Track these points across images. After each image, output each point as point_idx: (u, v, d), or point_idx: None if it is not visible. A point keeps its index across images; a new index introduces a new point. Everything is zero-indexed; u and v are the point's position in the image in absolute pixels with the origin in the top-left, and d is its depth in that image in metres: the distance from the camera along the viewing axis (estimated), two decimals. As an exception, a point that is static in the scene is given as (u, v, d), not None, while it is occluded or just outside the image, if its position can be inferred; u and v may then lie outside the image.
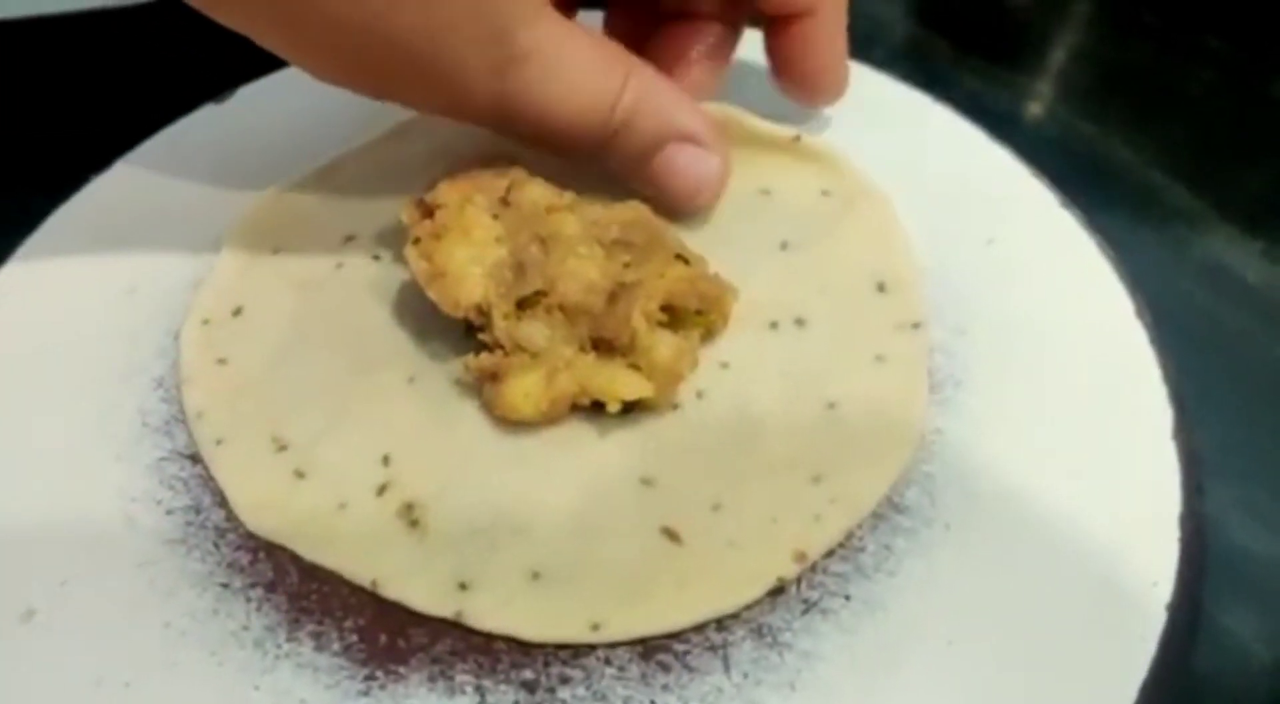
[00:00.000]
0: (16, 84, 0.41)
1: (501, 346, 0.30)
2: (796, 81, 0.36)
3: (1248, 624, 0.30)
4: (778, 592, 0.28)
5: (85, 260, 0.36)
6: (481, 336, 0.30)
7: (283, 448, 0.31)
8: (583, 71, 0.30)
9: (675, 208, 0.34)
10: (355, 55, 0.29)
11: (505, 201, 0.31)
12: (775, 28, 0.35)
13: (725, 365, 0.32)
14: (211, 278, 0.35)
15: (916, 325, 0.32)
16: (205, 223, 0.37)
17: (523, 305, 0.30)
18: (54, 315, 0.34)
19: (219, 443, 0.31)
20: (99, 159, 0.38)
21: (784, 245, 0.34)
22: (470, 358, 0.30)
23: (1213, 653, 0.29)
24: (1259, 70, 0.48)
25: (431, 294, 0.30)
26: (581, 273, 0.30)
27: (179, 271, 0.35)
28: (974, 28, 0.51)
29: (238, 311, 0.34)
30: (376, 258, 0.35)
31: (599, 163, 0.32)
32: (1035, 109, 0.48)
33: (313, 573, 0.29)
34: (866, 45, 0.48)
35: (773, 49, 0.36)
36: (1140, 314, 0.33)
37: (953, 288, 0.34)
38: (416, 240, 0.31)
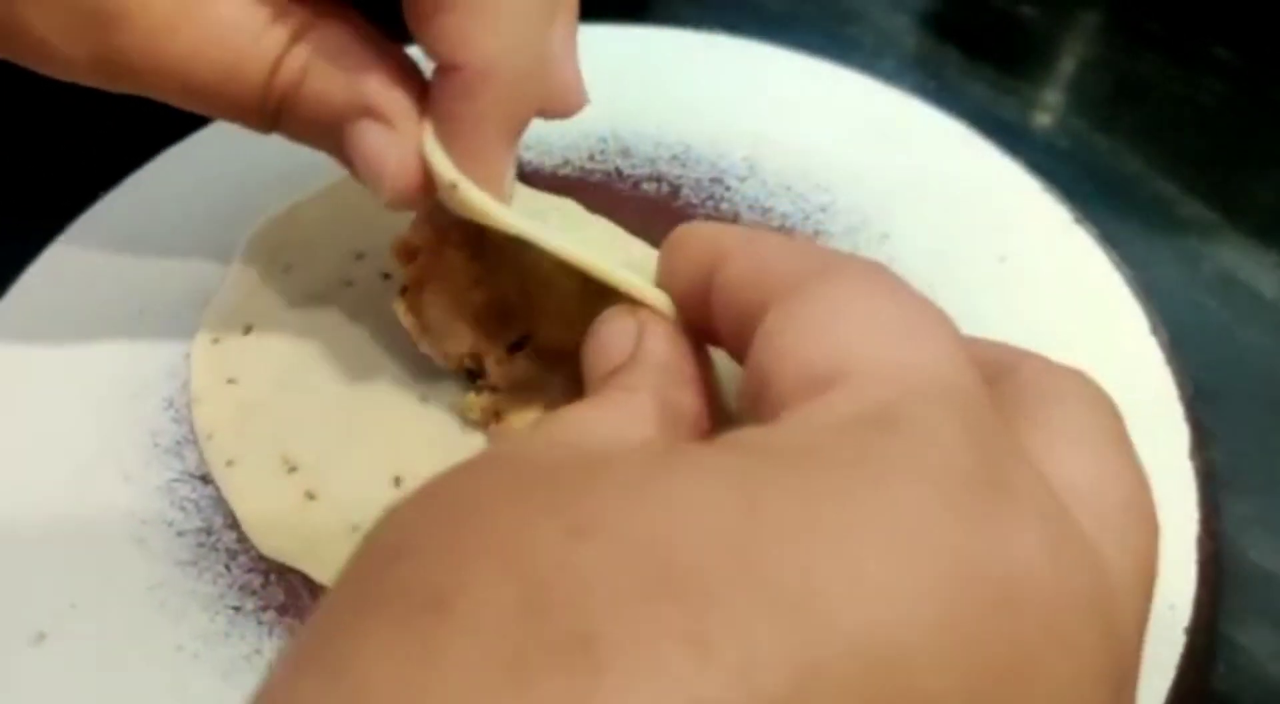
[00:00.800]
0: (25, 101, 0.41)
1: (499, 388, 0.30)
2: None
3: (1265, 644, 0.30)
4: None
5: (94, 279, 0.35)
6: (479, 383, 0.30)
7: (294, 469, 0.30)
8: (223, 33, 0.26)
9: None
10: None
11: (481, 236, 0.30)
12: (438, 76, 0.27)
13: None
14: (221, 297, 0.35)
15: None
16: (215, 241, 0.36)
17: (514, 348, 0.30)
18: (63, 334, 0.34)
19: (230, 464, 0.31)
20: (109, 176, 0.38)
21: None
22: (471, 397, 0.30)
23: (1231, 673, 0.29)
24: (1269, 80, 0.48)
25: (423, 349, 0.30)
26: (562, 310, 0.30)
27: (189, 290, 0.35)
28: (983, 38, 0.51)
29: (248, 330, 0.34)
30: (387, 276, 0.35)
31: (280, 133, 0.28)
32: (1045, 119, 0.47)
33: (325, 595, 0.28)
34: (876, 57, 0.48)
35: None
36: (1155, 331, 0.33)
37: (965, 304, 0.34)
38: (404, 291, 0.30)
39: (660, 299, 0.25)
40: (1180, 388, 0.31)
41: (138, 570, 0.29)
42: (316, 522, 0.29)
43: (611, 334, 0.24)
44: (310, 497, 0.30)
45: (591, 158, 0.40)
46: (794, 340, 0.19)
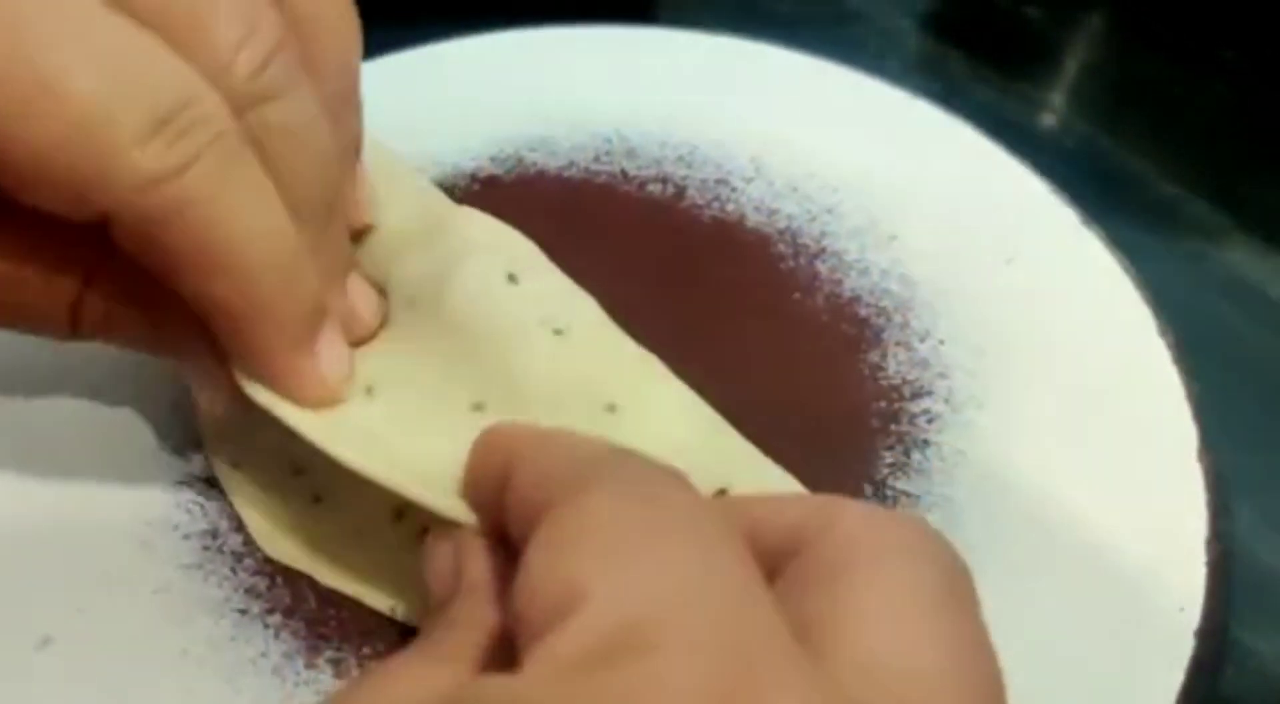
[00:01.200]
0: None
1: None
2: None
3: (1276, 646, 0.30)
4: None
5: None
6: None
7: (299, 472, 0.30)
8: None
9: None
10: None
11: None
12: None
13: None
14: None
15: None
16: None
17: None
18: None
19: (235, 466, 0.31)
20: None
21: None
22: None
23: (1240, 675, 0.29)
24: (1275, 82, 0.48)
25: None
26: None
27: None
28: (988, 40, 0.51)
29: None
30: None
31: None
32: (1050, 121, 0.47)
33: (331, 598, 0.28)
34: (880, 58, 0.48)
35: None
36: (1163, 333, 0.33)
37: (972, 307, 0.34)
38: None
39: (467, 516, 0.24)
40: (1188, 389, 0.31)
41: (143, 574, 0.29)
42: (323, 525, 0.29)
43: (433, 563, 0.24)
44: (316, 500, 0.30)
45: (597, 159, 0.40)
46: (534, 565, 0.18)
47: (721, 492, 0.25)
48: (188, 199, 0.22)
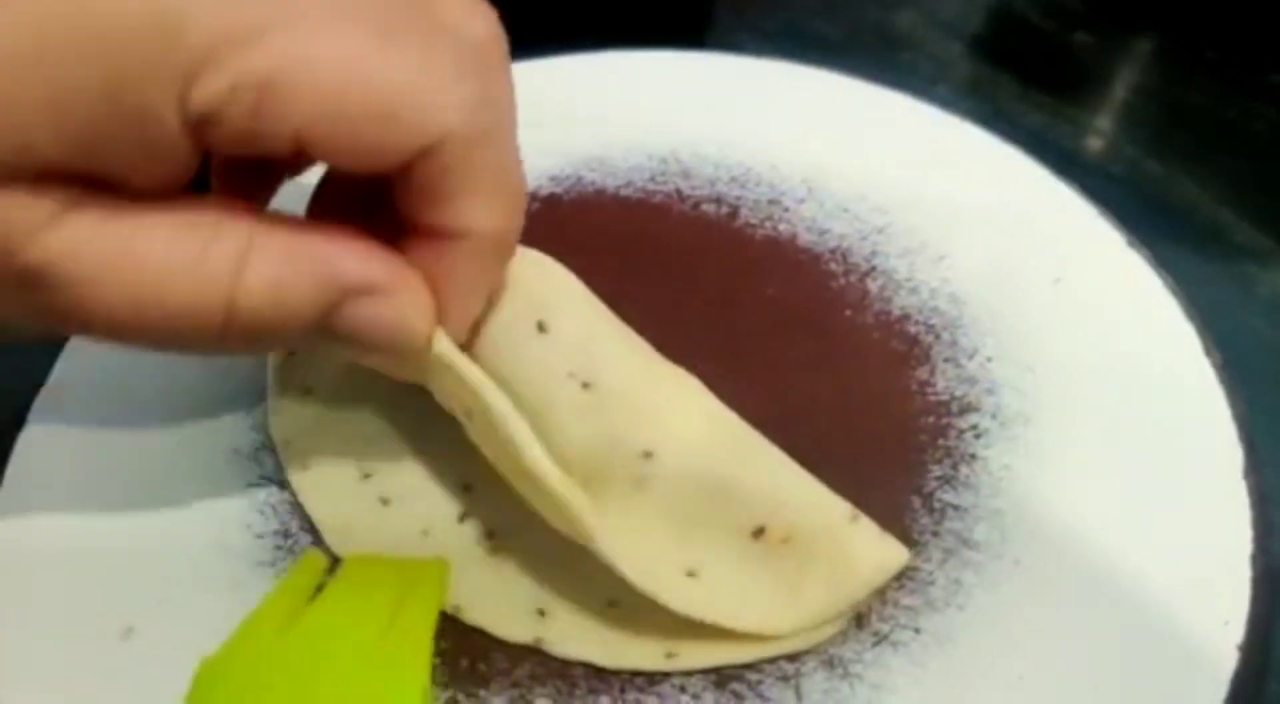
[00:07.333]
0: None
1: None
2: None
3: (1319, 663, 0.30)
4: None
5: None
6: None
7: (367, 475, 0.32)
8: (156, 273, 0.23)
9: (389, 368, 0.29)
10: None
11: None
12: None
13: None
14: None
15: None
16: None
17: None
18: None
19: (306, 470, 0.32)
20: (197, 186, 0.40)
21: None
22: None
23: (1283, 692, 0.29)
24: (1323, 107, 0.48)
25: None
26: None
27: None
28: (1037, 65, 0.51)
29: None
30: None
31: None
32: (1098, 145, 0.48)
33: (397, 597, 0.29)
34: (930, 83, 0.49)
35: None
36: (1209, 352, 0.33)
37: (1020, 325, 0.35)
38: None
39: (583, 505, 0.26)
40: (1234, 408, 0.32)
41: (220, 570, 0.30)
42: (390, 527, 0.31)
43: None
44: (384, 502, 0.31)
45: (653, 179, 0.41)
46: None
47: (760, 530, 0.28)
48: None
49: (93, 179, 0.22)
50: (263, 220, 0.24)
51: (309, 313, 0.25)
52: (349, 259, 0.25)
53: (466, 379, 0.27)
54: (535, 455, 0.26)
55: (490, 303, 0.28)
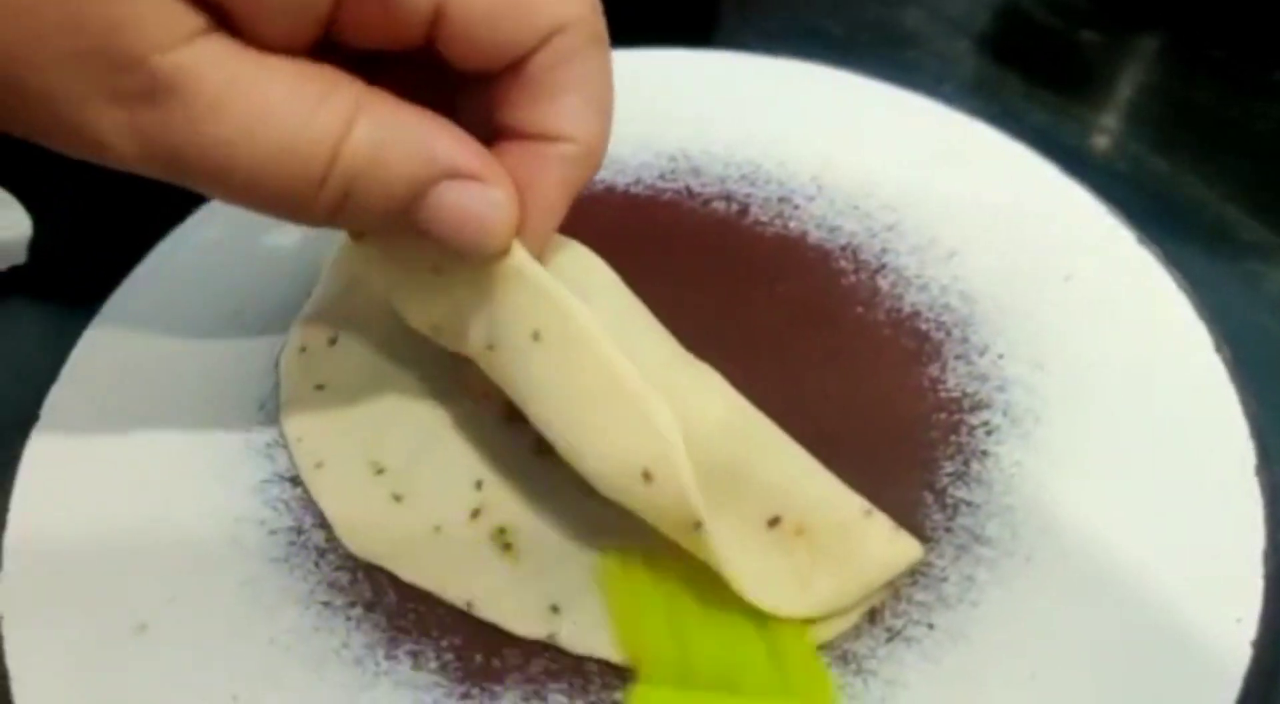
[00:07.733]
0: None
1: None
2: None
3: (1330, 660, 0.30)
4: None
5: (193, 284, 0.37)
6: None
7: (380, 471, 0.32)
8: (274, 111, 0.24)
9: (469, 259, 0.28)
10: None
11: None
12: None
13: None
14: (309, 305, 0.36)
15: None
16: (311, 247, 0.38)
17: None
18: (162, 338, 0.36)
19: (318, 466, 0.32)
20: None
21: None
22: None
23: (1295, 688, 0.29)
24: (1329, 106, 0.48)
25: None
26: None
27: (284, 294, 0.37)
28: (1043, 63, 0.51)
29: (334, 339, 0.35)
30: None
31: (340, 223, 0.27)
32: (1105, 143, 0.48)
33: (410, 593, 0.29)
34: (936, 81, 0.49)
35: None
36: (1219, 348, 0.33)
37: (1031, 322, 0.35)
38: None
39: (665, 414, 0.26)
40: (1245, 405, 0.32)
41: (233, 566, 0.30)
42: (402, 523, 0.31)
43: None
44: (396, 498, 0.31)
45: (663, 177, 0.41)
46: None
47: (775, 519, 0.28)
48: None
49: (229, 18, 0.23)
50: (372, 90, 0.25)
51: (402, 188, 0.25)
52: (447, 140, 0.26)
53: (546, 291, 0.27)
54: (622, 365, 0.26)
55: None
